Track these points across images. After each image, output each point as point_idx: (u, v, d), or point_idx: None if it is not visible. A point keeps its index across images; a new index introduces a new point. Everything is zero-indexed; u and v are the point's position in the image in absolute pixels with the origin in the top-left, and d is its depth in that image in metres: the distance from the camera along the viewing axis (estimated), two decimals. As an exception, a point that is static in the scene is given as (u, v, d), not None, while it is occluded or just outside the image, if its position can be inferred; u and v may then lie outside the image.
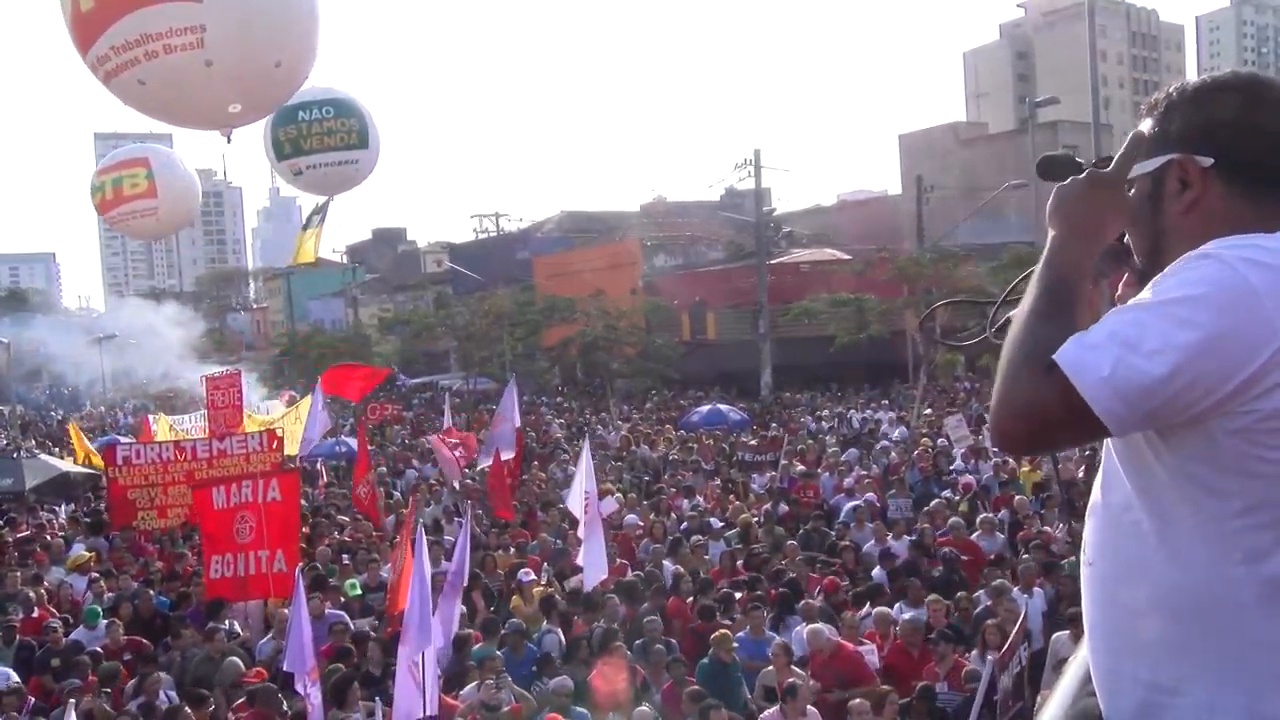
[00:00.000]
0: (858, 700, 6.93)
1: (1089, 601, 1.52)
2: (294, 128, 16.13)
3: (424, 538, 8.50)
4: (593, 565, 10.42)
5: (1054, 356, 1.30)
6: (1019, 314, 1.44)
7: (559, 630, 9.47)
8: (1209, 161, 1.45)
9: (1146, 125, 1.55)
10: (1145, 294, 1.34)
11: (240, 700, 7.96)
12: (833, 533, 12.73)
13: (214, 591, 10.46)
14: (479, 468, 16.87)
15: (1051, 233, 1.54)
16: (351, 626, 9.99)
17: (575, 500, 11.60)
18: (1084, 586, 1.53)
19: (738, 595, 9.99)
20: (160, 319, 47.82)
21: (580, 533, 10.92)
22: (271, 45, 9.56)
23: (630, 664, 8.26)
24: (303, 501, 16.98)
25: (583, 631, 9.24)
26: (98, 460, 23.12)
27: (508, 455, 15.46)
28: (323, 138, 15.42)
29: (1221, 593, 1.33)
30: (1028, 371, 1.33)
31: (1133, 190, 1.54)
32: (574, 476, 11.26)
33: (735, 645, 8.43)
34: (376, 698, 7.79)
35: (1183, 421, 1.31)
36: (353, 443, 22.92)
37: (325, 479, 19.36)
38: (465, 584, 9.64)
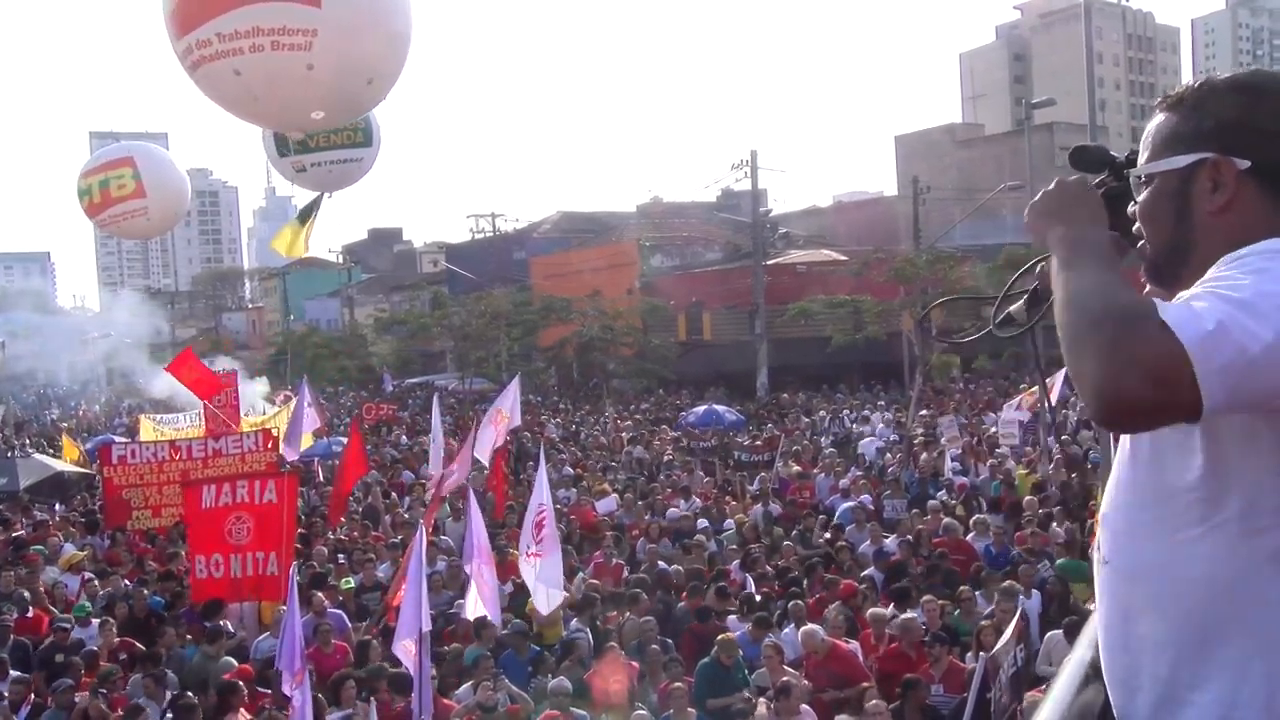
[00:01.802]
0: (875, 701, 6.91)
1: (1105, 600, 1.51)
2: None
3: (424, 534, 8.50)
4: (550, 583, 9.69)
5: (1167, 320, 1.21)
6: (1072, 290, 1.33)
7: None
8: (1246, 164, 1.41)
9: (1166, 120, 1.51)
10: (1229, 277, 1.27)
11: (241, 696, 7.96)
12: (825, 534, 12.72)
13: (202, 591, 10.39)
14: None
15: (1060, 229, 1.47)
16: (347, 624, 9.99)
17: (529, 515, 10.23)
18: (1099, 585, 1.53)
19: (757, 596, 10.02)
20: (124, 313, 47.36)
21: (537, 549, 9.78)
22: (371, 61, 9.63)
23: (629, 664, 8.26)
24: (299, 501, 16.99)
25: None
26: (73, 453, 23.02)
27: (480, 453, 15.30)
28: (330, 135, 15.23)
29: (1246, 587, 1.33)
30: (1138, 326, 1.21)
31: (1151, 186, 1.51)
32: (537, 485, 10.24)
33: (740, 653, 8.42)
34: (371, 698, 7.79)
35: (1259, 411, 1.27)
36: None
37: (320, 478, 19.31)
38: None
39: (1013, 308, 1.71)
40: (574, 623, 9.68)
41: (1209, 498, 1.35)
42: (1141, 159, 1.55)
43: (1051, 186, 1.55)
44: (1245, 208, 1.42)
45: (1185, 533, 1.38)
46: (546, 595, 9.61)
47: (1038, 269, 1.70)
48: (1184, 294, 1.29)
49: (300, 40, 8.80)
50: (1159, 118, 1.53)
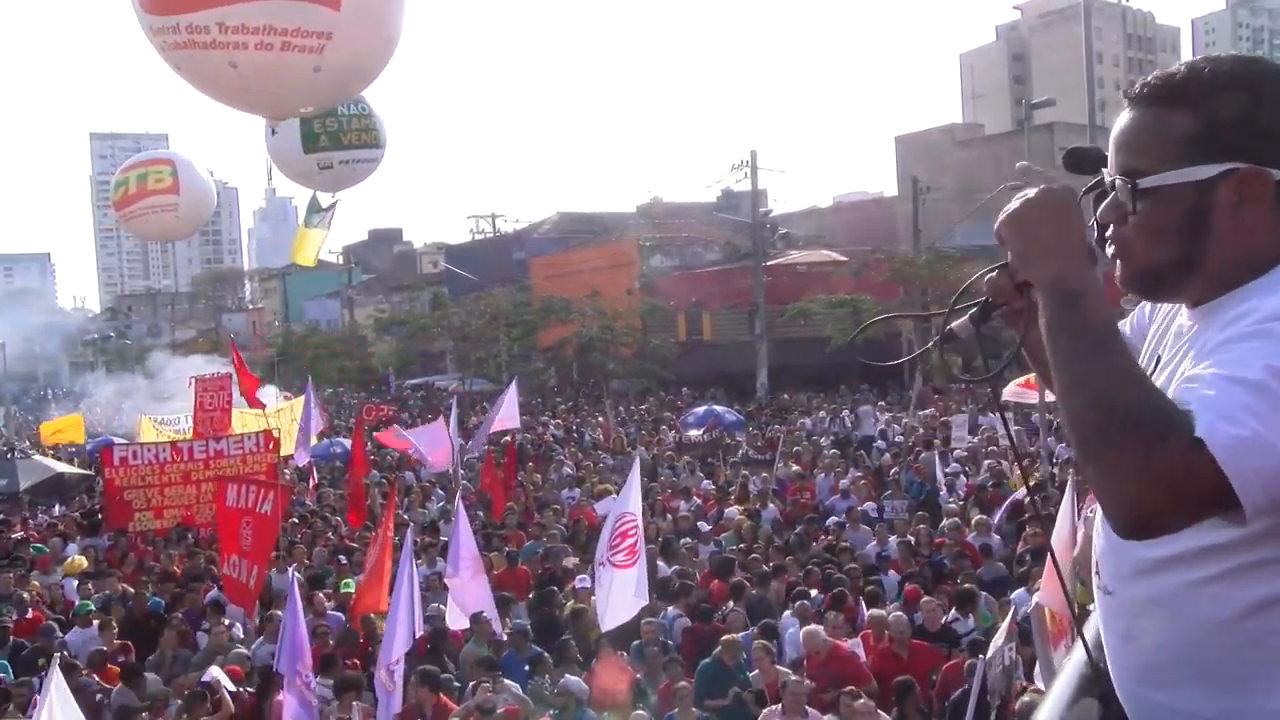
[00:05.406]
0: (863, 700, 6.90)
1: (1109, 630, 1.45)
2: (334, 120, 15.27)
3: (410, 539, 8.45)
4: (638, 594, 8.85)
5: (1200, 435, 1.11)
6: (1083, 375, 1.20)
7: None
8: (1279, 174, 1.27)
9: (1159, 118, 1.34)
10: (1253, 357, 1.16)
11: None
12: (825, 535, 12.70)
13: (228, 586, 10.45)
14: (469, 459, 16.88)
15: (1052, 268, 1.29)
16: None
17: (610, 523, 9.34)
18: (1101, 613, 1.47)
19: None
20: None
21: (617, 559, 8.92)
22: (371, 62, 9.36)
23: (626, 665, 8.25)
24: (305, 501, 17.02)
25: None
26: (73, 435, 22.98)
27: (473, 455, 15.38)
28: (360, 134, 15.21)
29: (1251, 633, 1.26)
30: (1169, 441, 1.11)
31: (1152, 197, 1.33)
32: (625, 492, 9.64)
33: (744, 655, 8.40)
34: (356, 701, 7.79)
35: None
36: (348, 444, 22.93)
37: (315, 480, 19.28)
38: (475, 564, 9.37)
39: (956, 324, 1.59)
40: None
41: (1207, 539, 1.26)
42: (1114, 159, 1.39)
43: (1035, 194, 1.34)
44: (1268, 221, 1.30)
45: (1183, 574, 1.30)
46: (624, 607, 8.78)
47: (987, 278, 1.57)
48: (1201, 374, 1.17)
49: (314, 43, 8.46)
50: (1144, 113, 1.35)
